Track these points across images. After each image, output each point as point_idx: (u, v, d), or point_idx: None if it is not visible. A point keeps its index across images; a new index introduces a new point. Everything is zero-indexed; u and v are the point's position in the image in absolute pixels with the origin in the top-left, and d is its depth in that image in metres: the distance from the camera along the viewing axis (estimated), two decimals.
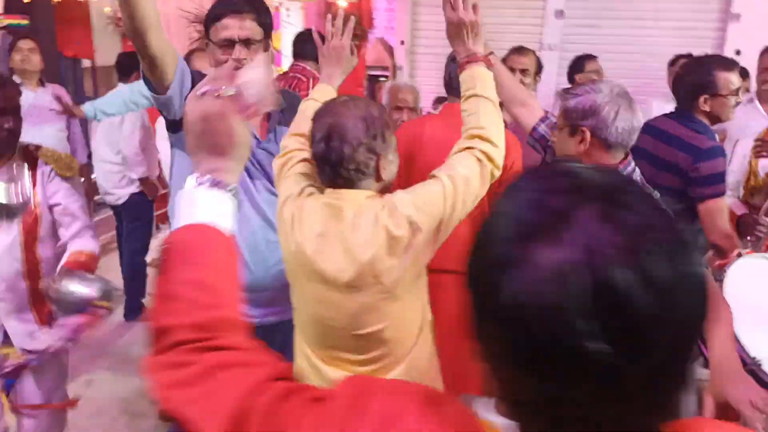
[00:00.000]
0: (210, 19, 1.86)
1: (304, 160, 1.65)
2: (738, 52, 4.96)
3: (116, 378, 3.35)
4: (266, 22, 1.90)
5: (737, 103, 2.43)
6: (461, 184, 1.50)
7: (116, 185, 4.03)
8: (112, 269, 3.95)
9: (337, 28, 1.87)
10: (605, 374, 0.48)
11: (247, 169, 1.93)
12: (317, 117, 1.55)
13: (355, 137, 1.47)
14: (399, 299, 1.54)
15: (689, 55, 4.17)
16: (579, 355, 0.47)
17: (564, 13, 5.49)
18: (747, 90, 4.43)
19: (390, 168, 1.57)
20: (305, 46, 3.60)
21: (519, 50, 3.31)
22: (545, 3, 5.51)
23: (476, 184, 1.52)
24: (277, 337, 2.10)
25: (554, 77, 5.07)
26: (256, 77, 0.93)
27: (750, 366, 1.62)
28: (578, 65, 4.29)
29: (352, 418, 0.62)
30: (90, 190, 4.19)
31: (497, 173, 1.56)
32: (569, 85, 4.34)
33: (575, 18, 5.49)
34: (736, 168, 2.93)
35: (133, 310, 4.03)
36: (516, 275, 0.49)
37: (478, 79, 1.63)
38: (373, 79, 5.75)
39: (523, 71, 3.21)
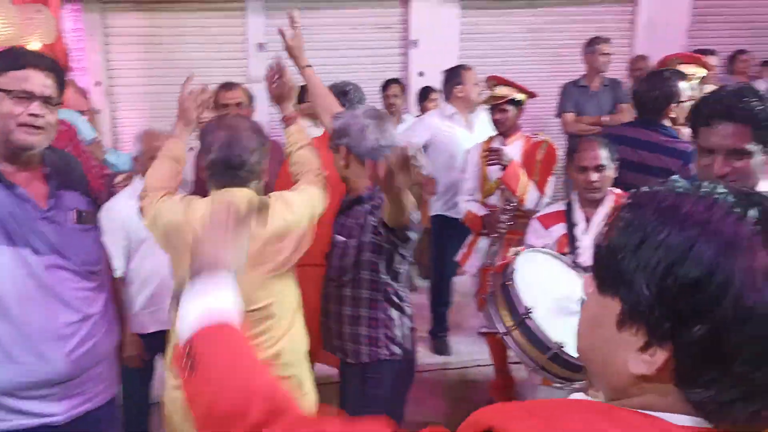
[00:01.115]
0: (6, 65, 1.70)
1: (167, 193, 1.99)
2: (421, 74, 5.73)
3: None
4: (63, 84, 1.83)
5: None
6: (318, 199, 2.08)
7: None
8: None
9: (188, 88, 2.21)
10: None
11: (31, 246, 1.71)
12: (209, 131, 1.93)
13: (250, 145, 1.90)
14: (283, 278, 1.99)
15: (396, 80, 4.71)
16: None
17: (265, 45, 5.66)
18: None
19: (266, 171, 2.00)
20: None
21: (228, 86, 3.36)
22: (246, 37, 5.62)
23: (322, 205, 2.11)
24: (91, 428, 1.85)
25: (266, 108, 5.20)
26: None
27: (554, 350, 1.71)
28: (301, 95, 4.50)
29: None
30: None
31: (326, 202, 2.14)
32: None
33: (277, 51, 5.68)
34: (470, 175, 3.36)
35: None
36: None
37: (303, 133, 2.25)
38: None
39: (238, 104, 3.26)
